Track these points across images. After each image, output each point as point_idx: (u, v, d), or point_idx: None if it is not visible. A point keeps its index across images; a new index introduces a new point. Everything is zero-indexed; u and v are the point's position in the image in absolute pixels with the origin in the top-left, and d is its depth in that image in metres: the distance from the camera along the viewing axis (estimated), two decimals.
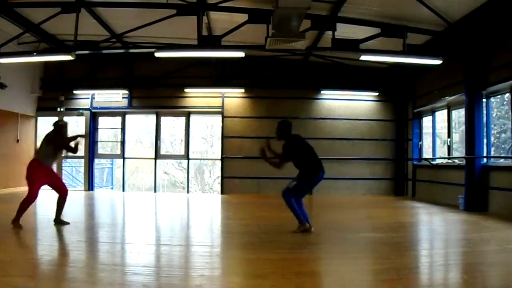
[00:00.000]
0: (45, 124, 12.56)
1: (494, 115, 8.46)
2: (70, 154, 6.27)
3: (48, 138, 5.89)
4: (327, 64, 11.45)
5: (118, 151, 12.16)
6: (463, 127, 8.86)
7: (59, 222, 5.90)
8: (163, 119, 12.38)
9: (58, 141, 5.89)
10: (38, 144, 6.43)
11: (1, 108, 10.36)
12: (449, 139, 9.65)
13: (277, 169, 5.67)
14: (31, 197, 5.69)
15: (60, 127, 6.01)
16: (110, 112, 12.16)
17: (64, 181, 6.33)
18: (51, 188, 5.97)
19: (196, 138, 12.62)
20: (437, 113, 10.40)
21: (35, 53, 8.59)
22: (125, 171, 12.24)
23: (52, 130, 5.95)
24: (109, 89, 11.84)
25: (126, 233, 5.79)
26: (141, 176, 15.16)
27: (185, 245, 5.05)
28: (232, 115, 11.60)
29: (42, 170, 5.76)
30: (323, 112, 11.84)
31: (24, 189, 11.18)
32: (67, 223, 5.89)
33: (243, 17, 7.36)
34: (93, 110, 12.05)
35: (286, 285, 3.28)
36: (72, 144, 6.06)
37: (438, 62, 7.97)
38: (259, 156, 5.70)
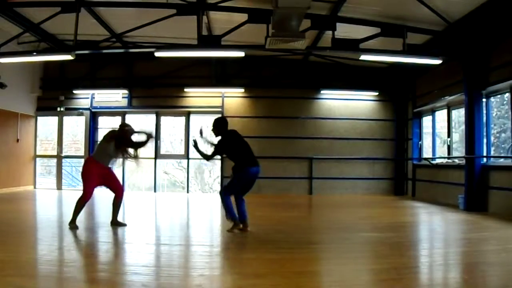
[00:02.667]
0: (45, 124, 12.61)
1: (494, 114, 8.46)
2: (130, 158, 5.97)
3: (108, 136, 5.77)
4: (327, 63, 11.45)
5: None
6: (463, 127, 8.86)
7: (115, 223, 5.83)
8: (163, 119, 12.38)
9: (120, 142, 5.70)
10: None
11: (1, 108, 10.36)
12: (449, 139, 9.65)
13: (206, 161, 5.87)
14: (86, 196, 5.61)
15: (124, 131, 5.82)
16: (110, 112, 12.16)
17: (120, 181, 6.14)
18: (107, 187, 5.88)
19: (196, 137, 12.59)
20: (437, 113, 10.40)
21: (35, 53, 8.58)
22: (125, 170, 12.23)
23: (113, 131, 5.84)
24: (109, 88, 11.85)
25: (126, 232, 5.78)
26: (141, 175, 15.15)
27: (185, 244, 5.05)
28: (232, 115, 11.58)
29: (98, 168, 5.66)
30: (323, 112, 11.84)
31: (23, 189, 11.25)
32: (124, 225, 5.85)
33: (243, 17, 7.36)
34: (93, 110, 12.04)
35: (286, 285, 3.28)
36: (131, 151, 5.85)
37: (438, 61, 7.98)
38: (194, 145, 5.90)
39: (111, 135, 5.78)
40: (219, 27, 8.79)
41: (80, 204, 5.64)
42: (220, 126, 5.78)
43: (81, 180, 5.81)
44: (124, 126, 5.94)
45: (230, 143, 5.69)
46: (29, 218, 7.02)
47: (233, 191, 5.64)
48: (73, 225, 5.57)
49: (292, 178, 11.60)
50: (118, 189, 5.90)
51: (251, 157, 5.67)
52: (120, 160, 5.99)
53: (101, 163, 5.71)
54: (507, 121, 7.95)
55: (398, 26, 7.71)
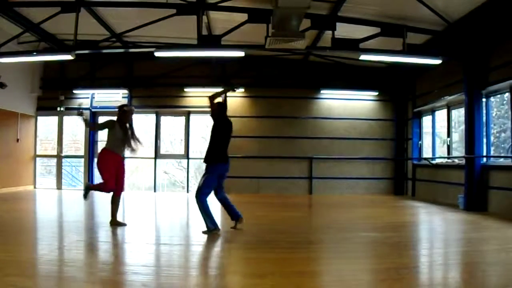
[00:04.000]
0: (45, 124, 12.60)
1: (493, 114, 8.46)
2: (133, 147, 5.91)
3: (110, 123, 5.77)
4: (327, 63, 11.45)
5: None
6: (462, 127, 8.86)
7: (115, 223, 5.74)
8: (163, 119, 12.38)
9: (123, 123, 5.73)
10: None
11: (1, 108, 10.36)
12: (448, 139, 9.65)
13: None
14: (109, 186, 5.57)
15: (123, 111, 5.81)
16: (110, 111, 12.14)
17: (124, 180, 6.09)
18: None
19: (196, 137, 12.60)
20: (436, 113, 10.41)
21: (35, 53, 8.58)
22: (124, 170, 12.22)
23: (112, 120, 5.82)
24: (109, 88, 11.85)
25: (125, 232, 5.79)
26: (141, 175, 15.15)
27: (185, 244, 5.04)
28: (232, 115, 11.50)
29: (113, 159, 5.63)
30: (323, 112, 11.85)
31: (23, 188, 11.25)
32: (124, 225, 5.79)
33: (243, 16, 7.36)
34: (93, 110, 12.04)
35: (286, 285, 3.28)
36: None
37: (438, 61, 7.98)
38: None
39: (112, 122, 5.79)
40: (219, 27, 8.80)
41: (115, 201, 5.66)
42: (220, 107, 5.72)
43: (99, 173, 5.76)
44: (123, 106, 5.94)
45: (219, 128, 5.59)
46: (29, 218, 7.02)
47: (210, 190, 5.43)
48: (116, 222, 5.60)
49: (292, 178, 11.60)
50: (120, 186, 5.83)
51: (222, 152, 5.53)
52: (131, 144, 5.86)
53: (116, 152, 5.69)
54: (507, 121, 7.95)
55: (398, 26, 7.71)
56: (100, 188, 5.72)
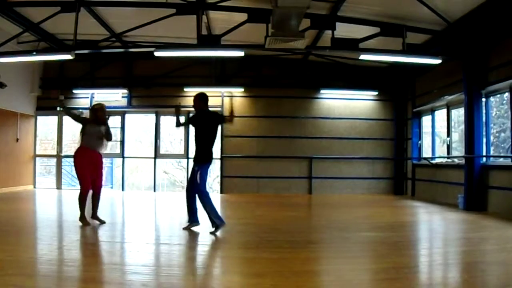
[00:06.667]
0: (45, 123, 12.59)
1: (493, 114, 8.46)
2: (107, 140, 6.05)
3: (84, 122, 5.84)
4: (326, 63, 11.45)
5: (118, 150, 12.17)
6: (462, 126, 8.87)
7: (94, 218, 5.83)
8: (163, 118, 12.36)
9: (95, 120, 5.77)
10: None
11: (0, 108, 10.34)
12: (448, 138, 9.65)
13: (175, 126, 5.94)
14: (83, 188, 5.59)
15: (94, 110, 5.89)
16: (110, 111, 12.10)
17: (103, 177, 6.12)
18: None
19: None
20: (436, 112, 10.40)
21: (34, 53, 8.56)
22: (124, 170, 12.23)
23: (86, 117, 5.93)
24: (108, 88, 11.83)
25: (125, 232, 5.79)
26: (141, 175, 15.16)
27: (185, 244, 5.04)
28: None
29: (88, 156, 5.65)
30: (323, 112, 11.84)
31: (23, 188, 11.25)
32: (103, 222, 5.85)
33: (243, 16, 7.36)
34: None
35: (286, 284, 3.28)
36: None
37: (437, 61, 7.97)
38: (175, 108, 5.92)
39: (86, 119, 5.87)
40: (218, 27, 8.79)
41: (82, 199, 5.64)
42: (201, 100, 5.70)
43: (75, 173, 5.83)
44: (95, 106, 6.00)
45: (196, 123, 5.65)
46: (29, 218, 7.01)
47: (206, 184, 5.48)
48: (84, 221, 5.60)
49: (292, 177, 11.60)
50: (96, 183, 5.85)
51: (203, 151, 5.57)
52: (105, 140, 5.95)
53: (91, 149, 5.72)
54: (507, 120, 7.95)
55: (397, 26, 7.71)
56: (81, 198, 5.69)
